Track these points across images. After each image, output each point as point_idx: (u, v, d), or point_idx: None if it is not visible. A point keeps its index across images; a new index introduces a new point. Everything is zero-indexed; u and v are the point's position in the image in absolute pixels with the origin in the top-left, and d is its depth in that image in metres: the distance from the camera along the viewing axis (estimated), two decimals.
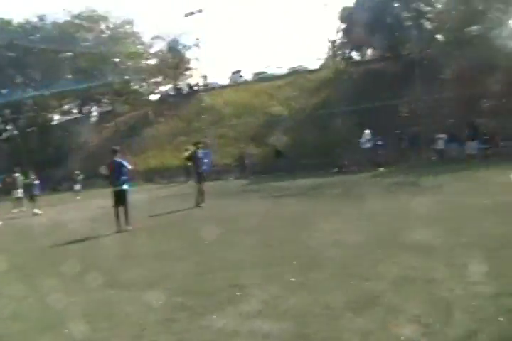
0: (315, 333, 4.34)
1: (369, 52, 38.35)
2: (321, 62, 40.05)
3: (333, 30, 32.29)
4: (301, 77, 38.34)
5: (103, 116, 51.55)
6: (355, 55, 37.52)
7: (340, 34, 32.48)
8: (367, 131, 23.28)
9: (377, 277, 5.79)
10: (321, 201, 14.09)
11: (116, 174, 12.16)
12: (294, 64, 44.88)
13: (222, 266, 7.20)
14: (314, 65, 41.82)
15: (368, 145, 23.15)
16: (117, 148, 12.76)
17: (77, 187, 27.58)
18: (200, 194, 15.52)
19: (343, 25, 31.96)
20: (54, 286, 6.91)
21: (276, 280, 6.09)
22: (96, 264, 8.19)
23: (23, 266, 8.81)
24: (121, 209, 11.99)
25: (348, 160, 24.16)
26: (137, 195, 15.48)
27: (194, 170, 16.25)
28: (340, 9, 31.76)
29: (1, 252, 10.59)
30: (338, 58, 32.49)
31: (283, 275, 6.29)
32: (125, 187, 12.16)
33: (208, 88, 45.19)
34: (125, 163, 12.33)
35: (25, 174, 21.81)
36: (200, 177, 15.84)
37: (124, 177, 12.17)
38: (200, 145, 16.35)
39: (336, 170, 23.34)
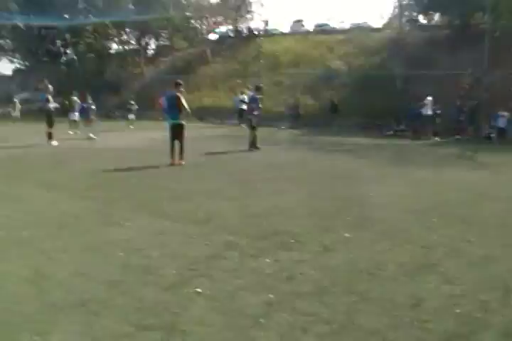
0: (365, 291, 4.27)
1: (436, 17, 36.80)
2: (385, 21, 38.66)
3: None
4: (363, 34, 37.12)
5: (160, 50, 51.37)
6: (421, 19, 36.13)
7: None
8: (429, 98, 22.41)
9: (432, 245, 5.65)
10: (373, 161, 13.80)
11: (173, 107, 12.19)
12: (357, 20, 43.63)
13: (274, 211, 7.18)
14: (377, 23, 40.55)
15: (429, 112, 22.38)
16: (180, 81, 12.65)
17: (131, 116, 27.74)
18: (254, 137, 15.44)
19: None
20: (110, 213, 7.06)
21: (330, 233, 6.04)
22: (147, 195, 8.35)
23: (75, 187, 9.01)
24: (176, 142, 12.05)
25: (404, 125, 23.58)
26: (190, 131, 15.43)
27: (250, 113, 16.02)
28: None
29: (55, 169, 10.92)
30: (403, 20, 31.14)
31: (337, 229, 6.24)
32: (182, 121, 12.20)
33: (268, 34, 44.29)
34: (182, 99, 12.30)
35: (83, 98, 22.00)
36: (256, 121, 15.73)
37: (180, 112, 12.21)
38: (261, 91, 16.16)
39: (390, 132, 22.88)
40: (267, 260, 5.02)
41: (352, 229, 6.25)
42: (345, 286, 4.37)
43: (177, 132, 12.17)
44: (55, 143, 17.07)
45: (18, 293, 4.20)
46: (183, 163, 11.93)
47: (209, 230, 6.11)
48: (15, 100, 33.53)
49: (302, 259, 5.07)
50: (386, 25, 37.33)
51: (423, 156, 15.94)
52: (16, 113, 32.57)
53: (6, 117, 32.27)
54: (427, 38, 31.25)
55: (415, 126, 22.96)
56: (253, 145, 15.52)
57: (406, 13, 31.66)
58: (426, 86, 24.22)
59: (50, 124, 17.34)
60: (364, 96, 26.46)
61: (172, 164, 11.84)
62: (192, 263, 4.91)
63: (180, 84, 12.44)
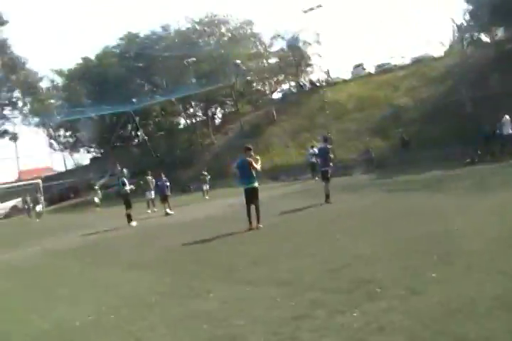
0: (462, 333, 3.99)
1: (499, 32, 36.05)
2: (445, 48, 38.23)
3: (457, 13, 30.51)
4: (425, 65, 36.92)
5: (227, 117, 52.95)
6: (483, 37, 35.43)
7: (467, 16, 30.63)
8: (507, 117, 21.57)
9: None
10: (451, 194, 13.28)
11: (247, 172, 12.28)
12: (417, 53, 43.24)
13: (355, 260, 7.02)
14: (438, 51, 40.09)
15: (510, 131, 21.43)
16: (250, 146, 12.83)
17: (205, 187, 28.11)
18: (327, 190, 15.31)
19: (470, 7, 30.09)
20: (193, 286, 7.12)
21: (416, 275, 5.80)
22: (227, 263, 8.37)
23: (157, 265, 9.18)
24: (252, 207, 12.10)
25: (482, 149, 22.63)
26: (264, 192, 15.55)
27: (324, 165, 15.89)
28: None
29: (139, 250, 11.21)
30: (465, 42, 30.64)
31: (422, 269, 5.99)
32: (256, 185, 12.29)
33: (330, 83, 44.70)
34: (253, 161, 12.39)
35: (157, 175, 22.72)
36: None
37: (254, 175, 12.28)
38: (329, 141, 16.17)
39: (468, 160, 22.03)
40: (355, 314, 4.83)
41: (438, 267, 6.00)
42: (438, 329, 4.13)
43: (252, 196, 12.21)
44: (134, 223, 17.63)
45: None
46: (261, 226, 11.89)
47: (292, 290, 5.98)
48: (96, 187, 35.00)
49: (390, 307, 4.86)
50: (447, 51, 36.90)
51: (504, 179, 15.16)
52: (98, 200, 33.99)
53: (90, 204, 33.79)
54: (492, 56, 30.61)
55: (492, 148, 22.03)
56: (326, 197, 15.26)
57: (466, 35, 31.19)
58: (498, 106, 23.25)
59: (129, 206, 17.99)
60: (434, 127, 25.91)
61: (251, 229, 11.83)
62: (279, 326, 4.81)
63: (249, 149, 12.56)
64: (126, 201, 18.08)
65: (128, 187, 18.20)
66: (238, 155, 13.55)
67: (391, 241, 7.96)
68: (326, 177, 15.51)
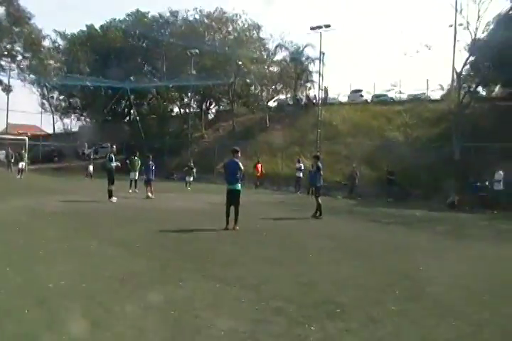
0: None
1: (497, 89, 36.91)
2: (443, 92, 38.82)
3: (460, 61, 30.83)
4: (421, 105, 37.49)
5: (220, 115, 53.27)
6: (480, 90, 36.19)
7: (468, 66, 31.16)
8: (501, 172, 21.94)
9: (482, 323, 5.60)
10: (429, 235, 13.63)
11: (232, 174, 12.59)
12: (416, 91, 43.90)
13: (325, 280, 7.31)
14: (436, 94, 40.71)
15: (500, 187, 21.80)
16: (237, 148, 13.09)
17: (189, 178, 28.43)
18: (319, 205, 15.81)
19: (472, 58, 30.62)
20: (166, 272, 7.40)
21: (378, 305, 6.10)
22: (201, 258, 8.63)
23: (134, 245, 9.50)
24: (232, 208, 12.39)
25: (461, 197, 23.20)
26: (247, 197, 15.85)
27: (316, 182, 16.37)
28: (470, 40, 30.32)
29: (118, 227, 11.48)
30: (462, 91, 31.21)
31: (385, 301, 6.29)
32: (239, 187, 12.60)
33: (327, 103, 45.19)
34: (240, 164, 12.74)
35: (143, 158, 22.95)
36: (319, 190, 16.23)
37: (238, 178, 12.60)
38: (319, 160, 16.62)
39: (447, 205, 22.59)
40: (313, 328, 5.14)
41: (400, 302, 6.29)
42: None
43: (234, 198, 12.50)
44: (114, 199, 17.95)
45: None
46: (237, 228, 12.17)
47: (259, 295, 6.29)
48: (91, 157, 34.99)
49: (348, 329, 5.17)
50: (445, 96, 37.41)
51: (482, 231, 15.56)
52: (91, 169, 34.20)
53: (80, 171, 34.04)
54: (487, 110, 31.27)
55: (470, 198, 22.62)
56: (320, 213, 15.76)
57: (464, 85, 31.70)
58: (487, 157, 23.79)
59: (111, 182, 18.23)
60: (422, 167, 26.38)
61: (226, 229, 12.12)
62: (240, 325, 5.11)
63: (237, 151, 12.87)
64: (110, 177, 18.29)
65: (114, 164, 18.41)
66: (226, 154, 13.85)
67: (361, 270, 8.26)
68: (318, 194, 16.07)
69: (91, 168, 34.19)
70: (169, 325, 5.06)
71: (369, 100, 45.48)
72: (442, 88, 36.79)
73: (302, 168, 28.71)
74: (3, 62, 48.26)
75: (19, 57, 48.34)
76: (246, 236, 11.57)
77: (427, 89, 43.12)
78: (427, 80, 43.03)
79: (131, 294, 6.11)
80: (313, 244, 10.81)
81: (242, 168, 12.77)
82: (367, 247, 10.90)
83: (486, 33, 29.57)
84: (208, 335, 4.82)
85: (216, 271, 7.57)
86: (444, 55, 52.02)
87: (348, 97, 47.81)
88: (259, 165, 31.40)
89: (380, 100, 43.87)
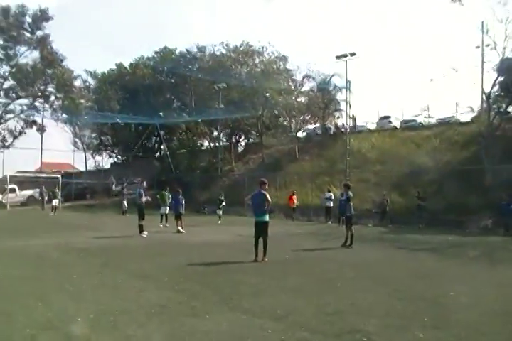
0: None
1: None
2: (473, 114, 38.46)
3: (489, 82, 30.61)
4: (451, 128, 37.26)
5: (250, 147, 53.58)
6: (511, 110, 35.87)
7: (497, 87, 30.90)
8: None
9: None
10: (459, 260, 13.51)
11: (259, 205, 12.66)
12: (444, 115, 43.67)
13: (352, 309, 7.28)
14: (466, 117, 40.36)
15: None
16: (265, 180, 13.19)
17: (220, 212, 28.43)
18: (349, 235, 15.86)
19: (501, 78, 30.38)
20: (193, 305, 7.45)
21: (404, 333, 6.05)
22: (229, 290, 8.69)
23: (163, 279, 9.55)
24: (260, 240, 12.43)
25: (494, 221, 22.83)
26: (277, 228, 15.89)
27: (347, 211, 16.40)
28: (497, 60, 30.17)
29: (147, 261, 11.61)
30: (492, 112, 30.86)
31: (412, 329, 6.23)
32: (267, 219, 12.63)
33: (355, 131, 45.15)
34: (267, 195, 12.79)
35: (174, 192, 23.10)
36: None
37: (265, 209, 12.63)
38: (349, 188, 16.63)
39: (480, 229, 22.25)
40: None
41: (427, 329, 6.21)
42: None
43: (262, 230, 12.51)
44: (145, 234, 18.17)
45: None
46: (266, 259, 12.20)
47: (285, 326, 6.29)
48: (125, 193, 34.95)
49: None
50: (474, 118, 37.03)
51: None
52: (126, 206, 33.93)
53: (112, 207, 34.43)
54: None
55: (507, 222, 22.23)
56: (351, 242, 15.76)
57: (494, 106, 31.39)
58: None
59: (142, 217, 18.50)
60: (452, 191, 26.07)
61: (255, 261, 12.15)
62: None
63: (265, 183, 12.95)
64: (140, 212, 18.59)
65: (144, 199, 18.68)
66: (256, 186, 13.92)
67: (389, 298, 8.20)
68: (349, 223, 16.10)
69: (125, 203, 34.02)
70: None
71: (397, 126, 45.27)
72: (473, 110, 36.50)
73: (332, 197, 28.60)
74: (37, 103, 50.16)
75: (52, 98, 50.28)
76: (274, 267, 11.56)
77: (456, 112, 42.94)
78: (456, 103, 42.83)
79: (158, 327, 6.17)
80: (341, 273, 10.77)
81: (270, 199, 12.76)
82: (395, 274, 10.82)
83: None
84: None
85: (243, 303, 7.60)
86: (472, 77, 51.72)
87: (377, 124, 47.57)
88: (294, 197, 31.14)
89: (409, 126, 43.64)
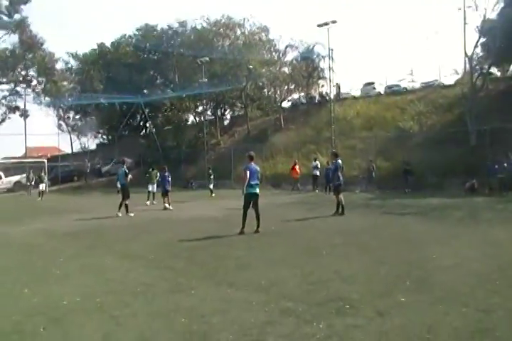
0: None
1: (511, 68, 36.58)
2: (457, 77, 38.40)
3: (471, 44, 30.54)
4: (435, 92, 37.34)
5: (235, 120, 53.46)
6: (494, 71, 35.89)
7: (479, 48, 30.85)
8: None
9: (491, 308, 5.62)
10: (444, 223, 13.63)
11: (251, 178, 12.67)
12: (428, 78, 43.66)
13: (335, 278, 7.37)
14: (449, 80, 40.44)
15: None
16: (253, 154, 13.31)
17: (211, 186, 28.48)
18: (341, 202, 15.96)
19: (483, 39, 30.29)
20: (179, 282, 7.53)
21: (386, 298, 6.15)
22: (215, 264, 8.77)
23: (150, 257, 9.65)
24: (251, 212, 12.54)
25: (479, 181, 23.02)
26: (265, 198, 15.86)
27: (335, 180, 16.49)
28: (479, 22, 30.00)
29: (134, 240, 11.66)
30: (475, 74, 30.82)
31: (394, 293, 6.34)
32: (257, 191, 12.73)
33: (340, 98, 45.13)
34: (258, 168, 13.00)
35: (161, 169, 23.00)
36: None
37: (257, 182, 12.75)
38: (337, 156, 16.64)
39: (466, 190, 22.45)
40: (321, 325, 5.21)
41: (409, 293, 6.32)
42: None
43: (255, 202, 12.69)
44: (131, 214, 17.96)
45: None
46: (260, 230, 12.42)
47: (269, 297, 6.38)
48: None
49: (355, 324, 5.21)
50: (458, 81, 36.96)
51: (499, 214, 15.51)
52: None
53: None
54: (502, 90, 30.93)
55: (491, 181, 22.46)
56: (342, 210, 15.87)
57: (477, 67, 31.36)
58: (503, 139, 23.49)
59: (127, 196, 18.26)
60: (438, 154, 26.19)
61: (241, 233, 12.27)
62: (249, 328, 5.21)
63: (253, 157, 13.14)
64: (125, 191, 18.38)
65: (129, 177, 18.52)
66: (243, 158, 13.96)
67: (372, 264, 8.30)
68: (338, 191, 16.18)
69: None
70: (179, 334, 5.16)
71: (382, 92, 45.27)
72: (457, 72, 36.40)
73: (318, 165, 28.70)
74: (19, 88, 49.65)
75: (34, 82, 49.73)
76: (260, 239, 11.65)
77: (440, 75, 42.89)
78: (439, 67, 42.83)
79: (143, 306, 6.23)
80: (327, 241, 10.85)
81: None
82: (380, 240, 10.92)
83: (495, 13, 29.37)
84: (216, 340, 4.92)
85: (228, 276, 7.68)
86: (455, 40, 51.49)
87: (361, 91, 47.82)
88: (297, 167, 30.78)
89: (393, 91, 43.85)
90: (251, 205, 12.65)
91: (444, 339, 4.74)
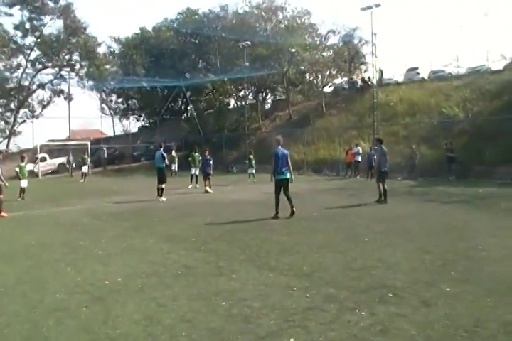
0: None
1: None
2: (505, 62, 37.05)
3: None
4: (482, 78, 36.15)
5: (276, 104, 53.17)
6: None
7: None
8: None
9: None
10: (490, 212, 13.23)
11: (280, 163, 12.64)
12: (475, 64, 42.31)
13: (379, 265, 7.26)
14: (497, 65, 39.10)
15: None
16: (280, 138, 13.23)
17: (252, 170, 28.06)
18: (382, 191, 15.69)
19: None
20: (220, 265, 7.54)
21: (431, 288, 6.02)
22: (257, 248, 8.75)
23: (191, 240, 9.69)
24: (281, 197, 12.54)
25: None
26: (305, 184, 15.71)
27: (381, 167, 16.08)
28: None
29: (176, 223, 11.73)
30: None
31: (439, 283, 6.19)
32: (288, 176, 12.69)
33: (383, 84, 44.23)
34: (286, 151, 12.93)
35: (203, 153, 23.06)
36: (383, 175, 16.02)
37: (286, 168, 12.69)
38: (382, 143, 16.34)
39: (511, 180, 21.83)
40: (363, 313, 5.13)
41: (455, 283, 6.17)
42: None
43: (286, 187, 12.70)
44: (163, 199, 17.69)
45: (128, 335, 4.72)
46: (295, 210, 12.48)
47: (311, 283, 6.33)
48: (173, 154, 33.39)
49: (399, 313, 5.12)
50: (507, 66, 35.73)
51: None
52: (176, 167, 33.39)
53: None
54: None
55: None
56: (385, 197, 15.61)
57: None
58: None
59: (164, 180, 18.03)
60: (483, 142, 25.52)
61: (275, 217, 12.34)
62: (290, 314, 5.16)
63: (280, 141, 13.10)
64: (161, 175, 18.12)
65: (165, 161, 18.44)
66: (284, 143, 13.88)
67: (417, 252, 8.15)
68: (384, 178, 15.89)
69: (174, 166, 32.63)
70: (220, 317, 5.15)
71: (426, 77, 44.18)
72: (504, 58, 35.16)
73: (360, 151, 28.36)
74: (63, 72, 50.67)
75: (77, 66, 50.66)
76: (302, 224, 11.59)
77: (487, 60, 41.61)
78: (487, 51, 41.45)
79: (184, 288, 6.26)
80: (369, 228, 10.70)
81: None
82: (424, 228, 10.71)
83: None
84: (257, 325, 4.88)
85: (269, 261, 7.66)
86: (504, 23, 49.83)
87: (404, 76, 46.48)
88: (352, 152, 29.71)
89: (438, 76, 42.43)
90: (281, 191, 12.64)
91: (493, 334, 4.56)
